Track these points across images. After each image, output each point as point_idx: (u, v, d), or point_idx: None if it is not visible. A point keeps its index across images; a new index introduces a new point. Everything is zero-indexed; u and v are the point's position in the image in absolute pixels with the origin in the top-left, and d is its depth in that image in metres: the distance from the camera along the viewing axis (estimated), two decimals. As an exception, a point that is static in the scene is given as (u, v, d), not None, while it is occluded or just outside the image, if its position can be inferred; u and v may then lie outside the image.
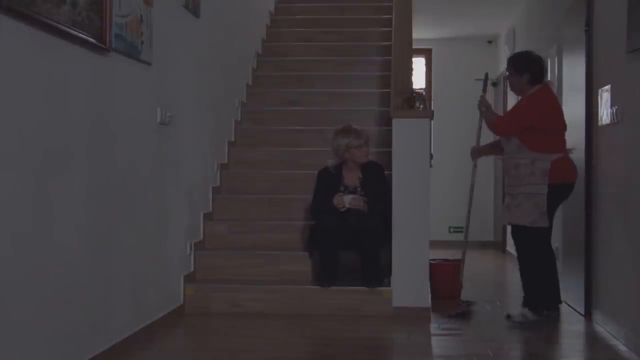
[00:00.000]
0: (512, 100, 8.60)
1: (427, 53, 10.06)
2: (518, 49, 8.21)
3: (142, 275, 4.07)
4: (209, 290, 4.86)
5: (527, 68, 4.67)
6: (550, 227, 4.63)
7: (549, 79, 4.70)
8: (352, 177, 5.03)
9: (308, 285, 4.92)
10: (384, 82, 6.74)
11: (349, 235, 4.82)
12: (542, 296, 4.67)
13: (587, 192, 4.79)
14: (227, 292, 4.85)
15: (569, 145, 4.63)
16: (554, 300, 4.73)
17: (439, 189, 5.19)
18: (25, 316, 2.84)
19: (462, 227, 9.37)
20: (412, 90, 5.19)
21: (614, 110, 4.28)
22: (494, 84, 9.73)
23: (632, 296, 3.97)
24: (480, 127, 5.02)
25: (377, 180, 5.00)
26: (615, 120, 4.27)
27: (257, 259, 5.14)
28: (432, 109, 5.18)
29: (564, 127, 4.61)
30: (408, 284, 4.75)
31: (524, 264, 4.73)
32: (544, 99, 4.60)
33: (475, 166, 5.16)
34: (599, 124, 4.59)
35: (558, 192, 4.56)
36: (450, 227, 9.26)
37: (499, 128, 4.79)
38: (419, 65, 10.00)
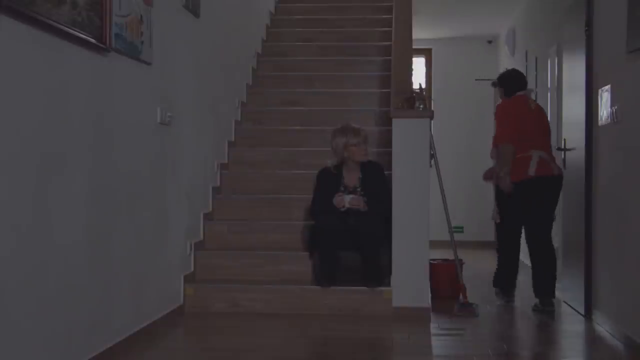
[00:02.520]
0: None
1: (427, 53, 10.06)
2: (518, 49, 8.25)
3: (142, 275, 4.07)
4: (209, 290, 4.86)
5: (500, 83, 5.50)
6: (518, 223, 5.21)
7: (529, 88, 5.56)
8: (352, 177, 5.03)
9: (308, 285, 4.91)
10: (384, 82, 6.74)
11: (348, 235, 4.82)
12: (500, 279, 5.50)
13: (587, 192, 4.79)
14: (227, 292, 4.85)
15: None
16: (508, 288, 5.46)
17: (439, 188, 5.19)
18: (25, 316, 2.84)
19: (462, 227, 9.39)
20: (412, 90, 5.18)
21: (614, 110, 4.28)
22: (494, 84, 9.72)
23: (632, 296, 3.97)
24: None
25: (377, 180, 5.00)
26: (615, 120, 4.27)
27: (257, 259, 5.14)
28: (432, 109, 5.16)
29: (528, 130, 5.07)
30: (408, 284, 4.75)
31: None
32: (505, 109, 5.29)
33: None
34: (599, 124, 4.59)
35: (518, 190, 5.04)
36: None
37: (498, 142, 5.20)
38: (419, 65, 10.00)
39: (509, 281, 5.45)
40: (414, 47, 6.27)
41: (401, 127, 4.86)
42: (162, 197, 4.38)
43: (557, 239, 5.78)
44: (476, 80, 9.70)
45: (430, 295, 4.90)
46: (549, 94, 6.43)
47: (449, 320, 4.71)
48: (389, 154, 5.02)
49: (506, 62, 9.11)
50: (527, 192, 5.01)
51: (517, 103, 5.21)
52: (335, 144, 4.98)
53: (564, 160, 5.35)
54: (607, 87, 4.43)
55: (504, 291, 5.44)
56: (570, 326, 4.68)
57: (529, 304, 5.18)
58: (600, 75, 4.64)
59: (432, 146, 4.97)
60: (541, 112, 5.33)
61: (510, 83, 5.36)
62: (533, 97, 5.53)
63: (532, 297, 5.20)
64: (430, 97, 9.30)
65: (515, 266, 5.44)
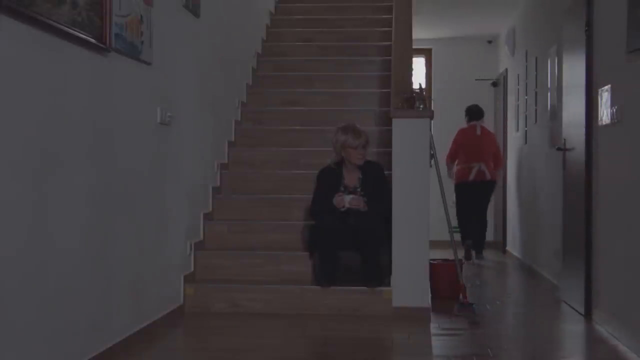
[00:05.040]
0: (512, 100, 8.62)
1: (427, 53, 10.06)
2: (518, 49, 8.27)
3: (142, 275, 4.07)
4: (209, 290, 4.86)
5: (466, 113, 8.13)
6: (466, 211, 7.94)
7: (482, 119, 8.15)
8: (352, 177, 5.03)
9: (308, 285, 4.92)
10: (384, 82, 6.74)
11: (348, 235, 4.82)
12: (464, 241, 8.01)
13: (587, 192, 4.79)
14: (227, 292, 4.85)
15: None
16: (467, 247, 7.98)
17: (438, 188, 5.19)
18: (25, 316, 2.84)
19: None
20: (412, 90, 5.18)
21: (614, 110, 4.28)
22: (494, 84, 9.74)
23: (632, 296, 3.97)
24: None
25: (377, 180, 5.00)
26: (615, 120, 4.27)
27: (257, 259, 5.13)
28: (432, 109, 5.16)
29: (465, 149, 7.86)
30: (408, 284, 4.75)
31: None
32: (456, 136, 8.08)
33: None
34: (599, 124, 4.59)
35: (464, 187, 7.91)
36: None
37: (447, 158, 8.10)
38: (419, 65, 10.00)
39: (467, 242, 7.97)
40: (414, 47, 6.26)
41: (401, 127, 4.86)
42: (162, 197, 4.38)
43: (557, 239, 5.78)
44: (476, 80, 9.70)
45: (430, 295, 4.90)
46: (549, 94, 6.43)
47: (449, 320, 4.71)
48: (389, 154, 5.02)
49: (506, 62, 9.12)
50: (469, 190, 7.86)
51: (467, 131, 8.01)
52: (335, 140, 4.98)
53: (564, 160, 5.35)
54: (607, 87, 4.43)
55: (466, 248, 7.91)
56: (570, 326, 4.68)
57: (528, 305, 5.17)
58: (600, 75, 4.64)
59: (432, 146, 4.97)
60: (487, 136, 7.99)
61: (470, 115, 8.06)
62: (483, 124, 8.09)
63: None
64: (430, 97, 9.31)
65: (468, 233, 7.98)
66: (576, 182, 5.01)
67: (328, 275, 4.84)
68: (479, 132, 7.95)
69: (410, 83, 5.43)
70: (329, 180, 5.03)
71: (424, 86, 5.55)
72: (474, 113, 8.06)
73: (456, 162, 8.02)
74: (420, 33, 8.54)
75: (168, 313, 4.47)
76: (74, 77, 3.22)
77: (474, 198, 7.93)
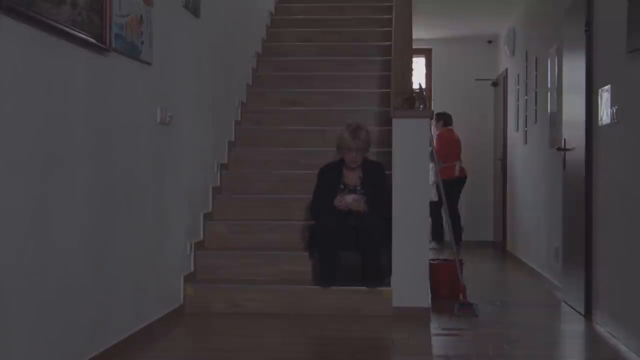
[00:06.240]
0: (512, 100, 8.62)
1: (427, 53, 10.06)
2: (518, 49, 8.27)
3: (142, 275, 4.07)
4: (209, 290, 4.86)
5: (440, 118, 8.64)
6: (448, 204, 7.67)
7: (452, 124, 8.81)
8: (352, 177, 5.03)
9: (308, 285, 4.91)
10: (384, 82, 6.74)
11: (348, 235, 4.82)
12: (434, 233, 8.66)
13: (587, 192, 4.79)
14: (227, 292, 4.85)
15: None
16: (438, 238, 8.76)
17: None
18: (25, 316, 2.84)
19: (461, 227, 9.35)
20: (412, 90, 5.18)
21: (614, 110, 4.29)
22: (494, 84, 9.74)
23: (632, 296, 3.97)
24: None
25: (378, 180, 5.00)
26: (615, 120, 4.27)
27: (257, 259, 5.13)
28: (432, 109, 5.15)
29: (448, 149, 8.47)
30: (408, 284, 4.75)
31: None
32: (440, 137, 8.53)
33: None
34: (599, 124, 4.59)
35: (445, 185, 7.25)
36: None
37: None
38: (419, 65, 10.00)
39: (438, 234, 8.72)
40: (414, 47, 6.26)
41: (401, 127, 4.86)
42: (162, 197, 4.38)
43: (557, 239, 5.79)
44: (476, 80, 9.70)
45: (430, 295, 4.90)
46: (549, 94, 6.43)
47: (449, 320, 4.71)
48: (389, 154, 5.02)
49: (506, 62, 9.12)
50: (453, 185, 8.24)
51: (448, 133, 8.68)
52: (338, 135, 4.99)
53: (564, 160, 5.35)
54: (607, 87, 4.43)
55: (436, 240, 8.61)
56: (570, 326, 4.68)
57: (528, 305, 5.18)
58: (600, 75, 4.64)
59: (432, 146, 4.98)
60: (458, 138, 8.75)
61: (444, 120, 8.71)
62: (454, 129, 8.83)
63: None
64: (430, 97, 9.31)
65: (442, 223, 8.62)
66: (576, 182, 5.01)
67: (328, 275, 4.84)
68: (456, 135, 8.80)
69: (410, 83, 5.43)
70: (329, 178, 5.03)
71: (424, 86, 5.55)
72: (449, 118, 8.83)
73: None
74: (420, 33, 8.54)
75: (168, 313, 4.47)
76: (73, 77, 3.22)
77: (454, 192, 8.59)
